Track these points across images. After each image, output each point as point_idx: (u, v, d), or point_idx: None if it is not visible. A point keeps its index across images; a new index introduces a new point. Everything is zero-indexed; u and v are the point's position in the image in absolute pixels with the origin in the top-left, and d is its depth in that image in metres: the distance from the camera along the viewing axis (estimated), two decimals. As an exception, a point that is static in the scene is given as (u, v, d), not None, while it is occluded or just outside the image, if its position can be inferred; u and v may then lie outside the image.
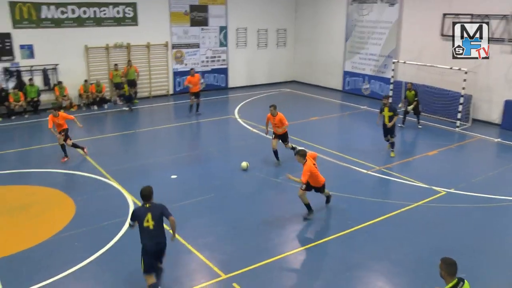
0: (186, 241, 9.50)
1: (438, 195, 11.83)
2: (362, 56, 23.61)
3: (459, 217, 10.77)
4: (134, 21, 22.02)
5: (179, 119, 20.14)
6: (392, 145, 14.60)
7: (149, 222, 7.40)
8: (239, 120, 19.15)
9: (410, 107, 17.62)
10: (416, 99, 17.57)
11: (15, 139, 16.87)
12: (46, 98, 20.33)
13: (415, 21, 20.67)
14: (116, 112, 20.66)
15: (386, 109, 14.30)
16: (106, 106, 21.33)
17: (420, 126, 18.09)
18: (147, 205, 7.51)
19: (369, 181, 13.02)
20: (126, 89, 19.98)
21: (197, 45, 24.26)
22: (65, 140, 14.08)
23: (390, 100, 18.93)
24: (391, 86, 20.87)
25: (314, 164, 10.36)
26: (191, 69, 20.77)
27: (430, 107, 19.58)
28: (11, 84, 19.55)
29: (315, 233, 10.11)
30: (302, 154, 10.25)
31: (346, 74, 24.62)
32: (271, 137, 14.16)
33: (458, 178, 13.06)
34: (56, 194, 11.86)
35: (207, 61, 24.74)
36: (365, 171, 13.46)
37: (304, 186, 10.27)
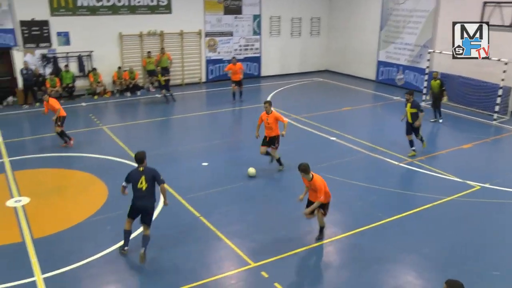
0: (216, 228, 9.57)
1: (472, 189, 11.55)
2: (396, 46, 23.16)
3: (493, 213, 10.50)
4: (168, 9, 22.13)
5: (211, 106, 20.24)
6: (420, 139, 13.86)
7: (142, 184, 8.19)
8: (271, 108, 19.04)
9: (445, 99, 17.13)
10: (443, 88, 17.02)
11: (51, 124, 17.15)
12: (80, 84, 20.73)
13: (453, 10, 20.09)
14: (148, 99, 20.89)
15: (408, 105, 13.54)
16: (139, 93, 21.60)
17: (440, 121, 17.33)
18: (141, 169, 8.29)
19: (400, 173, 12.82)
20: (160, 78, 20.02)
21: (230, 34, 24.25)
22: (57, 124, 14.24)
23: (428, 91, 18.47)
24: (426, 77, 20.40)
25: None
26: (233, 57, 20.85)
27: (466, 99, 19.08)
28: (48, 70, 20.03)
29: (345, 224, 10.01)
30: (303, 169, 8.74)
31: (380, 64, 24.22)
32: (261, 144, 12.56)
33: (494, 172, 12.72)
34: (89, 178, 12.12)
35: (240, 50, 24.70)
36: (396, 163, 13.26)
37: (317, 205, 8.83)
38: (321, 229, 9.27)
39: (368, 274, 8.20)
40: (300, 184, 12.00)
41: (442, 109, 17.55)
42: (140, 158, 8.34)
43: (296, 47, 26.53)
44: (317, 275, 8.28)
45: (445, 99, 17.13)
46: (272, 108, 12.51)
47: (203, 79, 24.12)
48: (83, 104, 19.73)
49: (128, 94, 21.35)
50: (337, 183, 11.82)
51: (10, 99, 19.51)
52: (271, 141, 12.30)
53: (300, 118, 17.55)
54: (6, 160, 13.28)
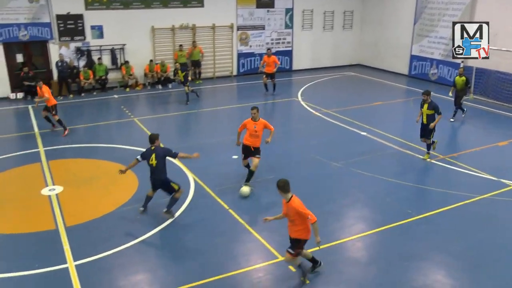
0: (244, 220, 9.62)
1: (507, 188, 11.23)
2: (431, 40, 22.68)
3: (529, 212, 10.21)
4: (200, 2, 22.24)
5: (242, 100, 20.28)
6: (428, 147, 13.03)
7: (153, 161, 9.37)
8: (302, 103, 19.02)
9: (471, 96, 16.68)
10: (469, 86, 16.51)
11: (84, 115, 17.62)
12: (113, 76, 21.08)
13: (491, 2, 19.52)
14: (179, 91, 21.05)
15: (425, 106, 12.62)
16: (170, 85, 21.81)
17: (451, 120, 16.41)
18: (152, 148, 9.48)
19: (432, 170, 12.59)
20: (181, 75, 19.05)
21: (262, 27, 24.20)
22: (52, 113, 14.88)
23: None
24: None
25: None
26: (268, 49, 20.80)
27: (503, 95, 18.56)
28: (82, 63, 20.44)
29: (374, 220, 9.90)
30: (281, 186, 7.58)
31: (413, 58, 23.77)
32: (241, 156, 11.40)
33: (530, 171, 12.36)
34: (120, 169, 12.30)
35: (272, 43, 24.61)
36: (428, 159, 13.02)
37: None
38: (313, 260, 8.04)
39: (397, 272, 8.10)
40: (330, 180, 11.96)
41: (466, 102, 17.00)
42: (151, 138, 9.58)
43: (328, 40, 26.29)
44: (345, 271, 8.22)
45: (471, 96, 16.66)
46: None
47: (234, 73, 24.18)
48: (115, 96, 20.07)
49: (160, 86, 21.59)
50: (366, 178, 11.72)
51: (46, 90, 20.00)
52: (256, 151, 11.14)
53: (331, 112, 17.42)
54: (41, 150, 13.65)
